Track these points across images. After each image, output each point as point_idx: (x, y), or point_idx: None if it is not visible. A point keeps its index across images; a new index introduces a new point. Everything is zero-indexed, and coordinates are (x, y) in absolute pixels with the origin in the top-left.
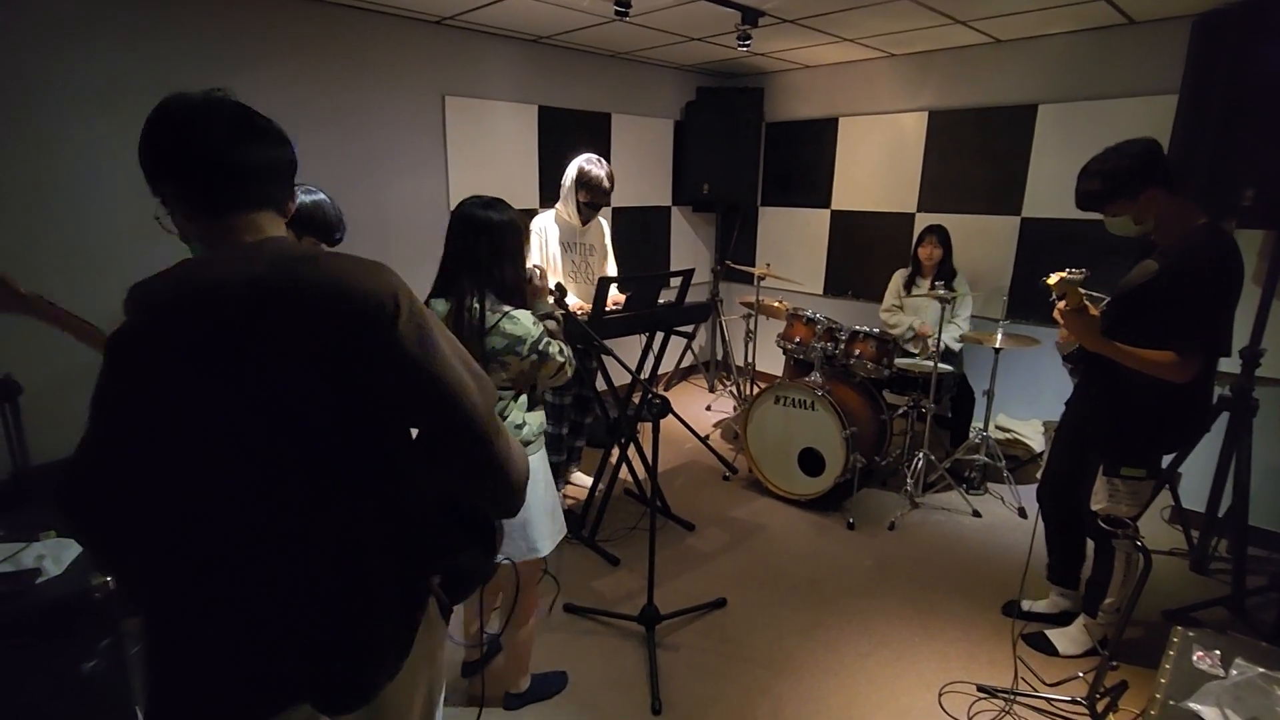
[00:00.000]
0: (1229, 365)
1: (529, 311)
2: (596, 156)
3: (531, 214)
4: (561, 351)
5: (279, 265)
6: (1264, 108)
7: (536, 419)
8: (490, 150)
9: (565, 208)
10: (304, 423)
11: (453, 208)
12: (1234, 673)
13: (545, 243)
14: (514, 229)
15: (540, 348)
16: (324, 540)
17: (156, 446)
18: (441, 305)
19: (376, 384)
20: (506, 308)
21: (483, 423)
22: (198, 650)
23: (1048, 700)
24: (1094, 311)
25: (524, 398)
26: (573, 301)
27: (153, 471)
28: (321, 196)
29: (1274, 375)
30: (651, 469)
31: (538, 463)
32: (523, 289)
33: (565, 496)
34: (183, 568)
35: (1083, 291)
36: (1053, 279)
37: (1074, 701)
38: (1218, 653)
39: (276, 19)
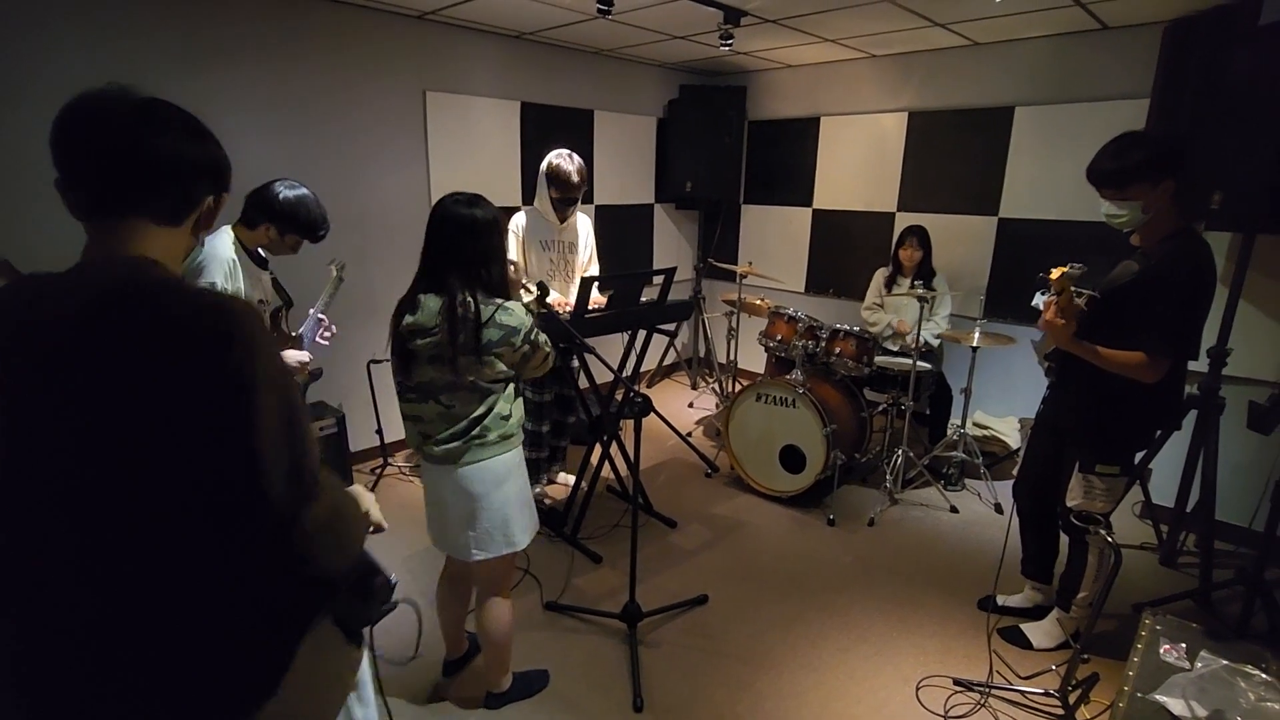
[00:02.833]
0: (1196, 364)
1: (517, 304)
2: (567, 151)
3: (513, 211)
4: (546, 342)
5: (112, 296)
6: (1232, 113)
7: (520, 410)
8: (472, 146)
9: (540, 204)
10: (110, 467)
11: (435, 203)
12: (1199, 665)
13: (520, 241)
14: (497, 226)
15: (532, 338)
16: (132, 582)
17: None
18: (434, 301)
19: (178, 433)
20: (498, 300)
21: (278, 505)
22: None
23: (1022, 693)
24: (1080, 306)
25: (510, 388)
26: (554, 298)
27: None
28: (304, 192)
29: (1240, 374)
30: (633, 466)
31: (516, 457)
32: (505, 282)
33: (547, 496)
34: None
35: (1074, 289)
36: (1055, 274)
37: (1047, 694)
38: (1184, 645)
39: (255, 13)
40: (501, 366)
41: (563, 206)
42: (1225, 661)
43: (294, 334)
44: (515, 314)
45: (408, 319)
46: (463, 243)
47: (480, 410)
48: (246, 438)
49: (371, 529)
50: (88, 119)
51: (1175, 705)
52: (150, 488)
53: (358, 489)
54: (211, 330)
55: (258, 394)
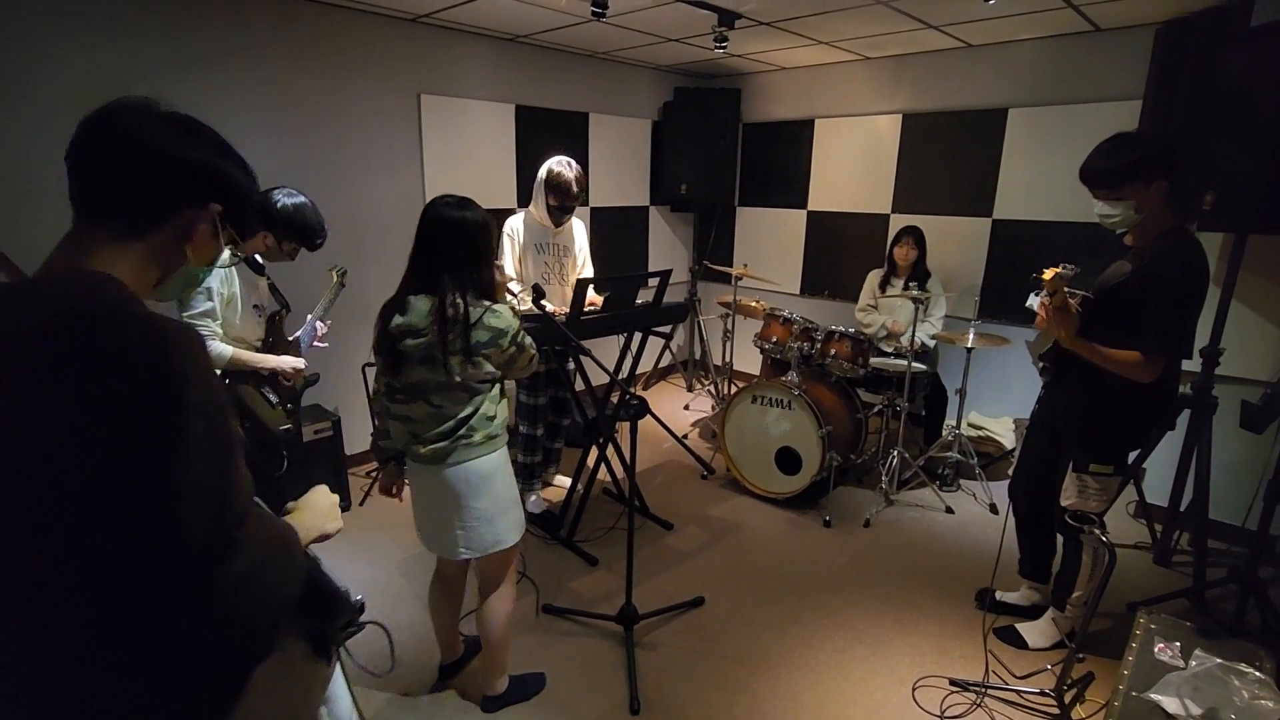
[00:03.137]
0: (1189, 364)
1: (506, 306)
2: (567, 159)
3: (509, 214)
4: (532, 344)
5: (52, 316)
6: (1224, 114)
7: (505, 411)
8: (467, 149)
9: (536, 209)
10: (33, 485)
11: (424, 207)
12: (1193, 663)
13: (516, 244)
14: (487, 228)
15: (519, 340)
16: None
17: None
18: (424, 302)
19: (99, 461)
20: (486, 302)
21: (195, 546)
22: None
23: (1017, 693)
24: (1074, 307)
25: (496, 389)
26: (549, 306)
27: None
28: (302, 199)
29: (1232, 374)
30: (630, 469)
31: (501, 458)
32: (495, 285)
33: (544, 499)
34: None
35: (1067, 290)
36: (1048, 274)
37: (1042, 693)
38: (1178, 644)
39: (249, 17)
40: (489, 367)
41: (560, 214)
42: (1219, 660)
43: (291, 338)
44: (503, 316)
45: (397, 320)
46: (454, 245)
47: (467, 411)
48: (168, 472)
49: (332, 533)
50: (93, 118)
51: (1170, 704)
52: (69, 511)
53: (319, 492)
54: (142, 361)
55: (184, 428)
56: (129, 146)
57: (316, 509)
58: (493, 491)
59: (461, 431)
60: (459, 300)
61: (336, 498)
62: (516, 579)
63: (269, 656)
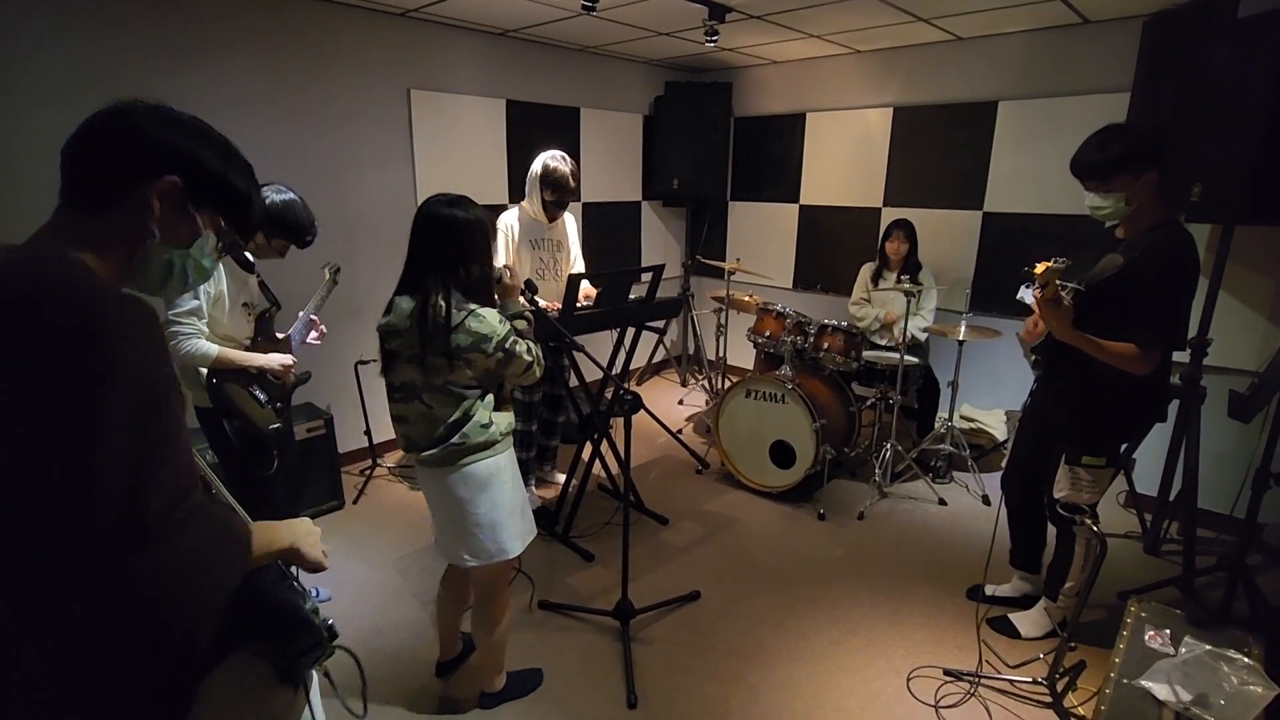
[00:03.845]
0: (1178, 355)
1: (495, 310)
2: (561, 153)
3: (500, 209)
4: (529, 351)
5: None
6: (1211, 106)
7: (504, 419)
8: (458, 145)
9: (531, 205)
10: None
11: (420, 204)
12: (1183, 650)
13: (511, 240)
14: (479, 227)
15: (506, 346)
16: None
17: None
18: (406, 302)
19: (17, 437)
20: (472, 305)
21: (106, 531)
22: None
23: (1010, 682)
24: (1067, 301)
25: (490, 396)
26: (542, 302)
27: None
28: (292, 196)
29: (1220, 364)
30: (624, 464)
31: (505, 461)
32: (489, 286)
33: (539, 496)
34: None
35: (1058, 283)
36: (1040, 268)
37: (1035, 682)
38: (1168, 631)
39: (237, 12)
40: (471, 373)
41: (556, 209)
42: (1208, 647)
43: (281, 336)
44: (486, 321)
45: (381, 320)
46: (442, 243)
47: (457, 415)
48: (79, 455)
49: (306, 556)
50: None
51: (1160, 690)
52: None
53: (303, 520)
54: (67, 342)
55: (102, 412)
56: (95, 125)
57: (294, 526)
58: (493, 497)
59: (454, 437)
60: (440, 301)
61: (319, 531)
62: (511, 577)
63: (203, 665)
